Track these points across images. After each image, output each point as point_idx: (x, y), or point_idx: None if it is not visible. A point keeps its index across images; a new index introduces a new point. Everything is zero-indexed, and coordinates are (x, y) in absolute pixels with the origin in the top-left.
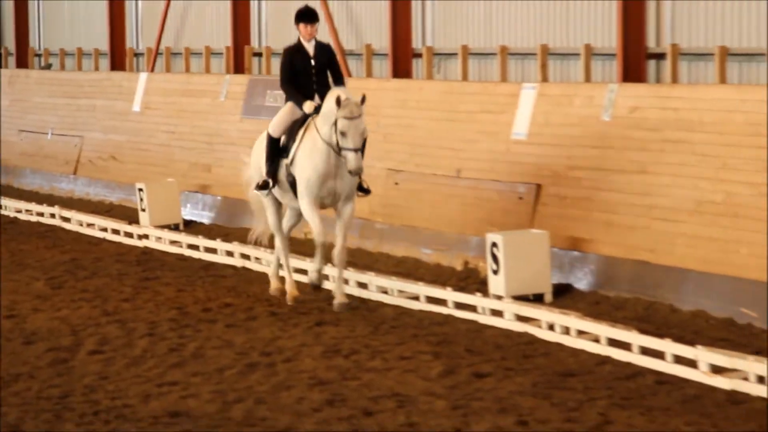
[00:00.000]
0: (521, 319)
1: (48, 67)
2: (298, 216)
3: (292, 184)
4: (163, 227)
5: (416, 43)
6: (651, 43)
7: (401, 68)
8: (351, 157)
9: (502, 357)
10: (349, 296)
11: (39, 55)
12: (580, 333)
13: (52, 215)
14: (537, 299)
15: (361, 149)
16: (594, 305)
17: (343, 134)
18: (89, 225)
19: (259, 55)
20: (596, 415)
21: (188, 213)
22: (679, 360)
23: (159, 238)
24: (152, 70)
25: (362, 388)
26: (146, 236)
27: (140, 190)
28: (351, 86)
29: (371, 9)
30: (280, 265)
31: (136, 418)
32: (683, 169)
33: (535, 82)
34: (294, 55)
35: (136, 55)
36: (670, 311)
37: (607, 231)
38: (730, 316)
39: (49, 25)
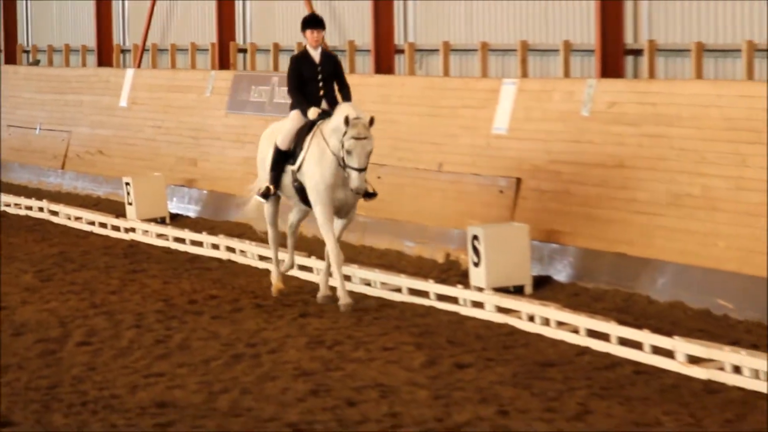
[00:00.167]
0: (502, 310)
1: (36, 63)
2: (305, 212)
3: (299, 190)
4: (149, 221)
5: (398, 40)
6: (629, 40)
7: (384, 64)
8: (354, 177)
9: (483, 348)
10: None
11: (27, 52)
12: (560, 324)
13: (41, 209)
14: (517, 291)
15: (365, 169)
16: (573, 297)
17: (349, 153)
18: (77, 218)
19: (244, 51)
20: (576, 405)
21: (174, 206)
22: (656, 350)
23: (146, 232)
24: (139, 66)
25: (346, 378)
26: (133, 229)
27: (127, 184)
28: None
29: (354, 6)
30: (292, 265)
31: (123, 408)
32: (661, 163)
33: (515, 78)
34: (301, 62)
35: (123, 51)
36: (647, 303)
37: (586, 224)
38: (706, 307)
39: (37, 22)
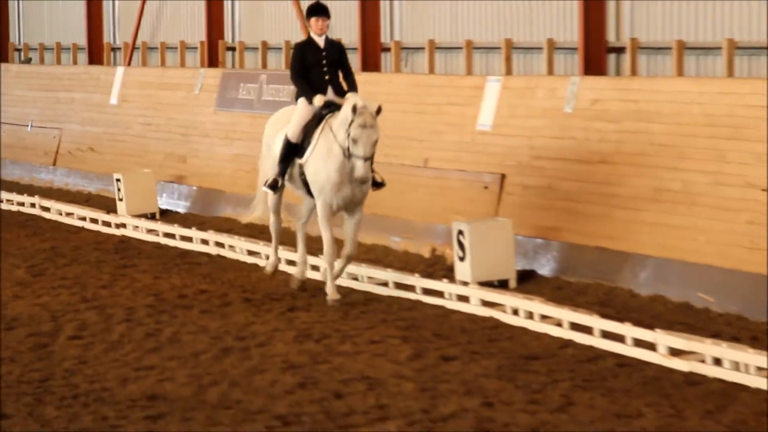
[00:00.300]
0: (486, 304)
1: (28, 61)
2: (314, 205)
3: (305, 182)
4: (139, 216)
5: (385, 38)
6: (611, 38)
7: (370, 62)
8: (359, 165)
9: (468, 341)
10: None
11: (19, 50)
12: (544, 317)
13: (33, 205)
14: (502, 285)
15: (370, 158)
16: (556, 290)
17: (354, 141)
18: (68, 214)
19: (233, 49)
20: (559, 397)
21: (164, 202)
22: (638, 343)
23: (136, 227)
24: (129, 64)
25: (333, 371)
26: (123, 225)
27: (117, 180)
28: None
29: (341, 5)
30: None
31: (114, 401)
32: (642, 158)
33: (500, 75)
34: (305, 49)
35: (114, 49)
36: (629, 296)
37: (569, 219)
38: (687, 300)
39: (28, 21)
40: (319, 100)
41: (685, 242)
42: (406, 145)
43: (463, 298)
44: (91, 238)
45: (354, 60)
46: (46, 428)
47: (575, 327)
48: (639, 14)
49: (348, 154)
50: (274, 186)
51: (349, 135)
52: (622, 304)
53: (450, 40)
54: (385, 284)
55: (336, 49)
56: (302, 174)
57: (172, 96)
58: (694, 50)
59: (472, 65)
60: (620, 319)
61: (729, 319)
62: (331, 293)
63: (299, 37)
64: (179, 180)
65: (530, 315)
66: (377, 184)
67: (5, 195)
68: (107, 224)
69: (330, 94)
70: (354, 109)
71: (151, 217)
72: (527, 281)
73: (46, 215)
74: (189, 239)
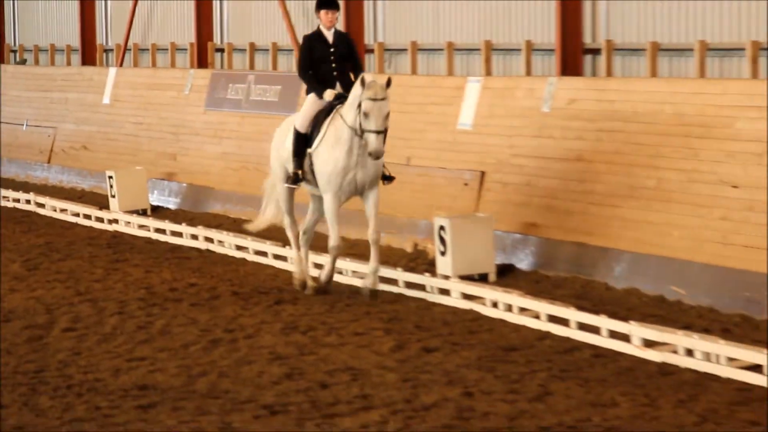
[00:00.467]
0: (467, 297)
1: (23, 62)
2: (321, 214)
3: (315, 173)
4: (131, 212)
5: (368, 39)
6: (587, 39)
7: None
8: (372, 139)
9: (449, 333)
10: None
11: (14, 51)
12: (522, 310)
13: (28, 201)
14: (482, 279)
15: (383, 132)
16: (535, 284)
17: (366, 115)
18: (62, 210)
19: (221, 50)
20: (537, 387)
21: (155, 199)
22: (613, 335)
23: (128, 223)
24: (121, 64)
25: (319, 362)
26: (116, 221)
27: (110, 177)
28: None
29: None
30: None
31: (107, 391)
32: (618, 156)
33: (480, 76)
34: (313, 42)
35: (106, 51)
36: (605, 289)
37: (547, 215)
38: (660, 293)
39: (23, 23)
40: (329, 94)
41: (659, 237)
42: (389, 143)
43: (445, 292)
44: (85, 233)
45: None
46: (41, 417)
47: (552, 319)
48: (614, 16)
49: (360, 132)
50: (295, 180)
51: (360, 110)
52: (598, 297)
53: (432, 42)
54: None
55: (345, 42)
56: (312, 164)
57: (162, 96)
58: (667, 51)
59: (453, 66)
60: (596, 312)
61: (701, 311)
62: (323, 278)
63: (286, 38)
64: (170, 177)
65: (509, 308)
66: (387, 178)
67: (1, 192)
68: (100, 220)
69: (339, 89)
70: (363, 82)
71: (143, 213)
72: (506, 275)
73: (41, 212)
74: (179, 234)
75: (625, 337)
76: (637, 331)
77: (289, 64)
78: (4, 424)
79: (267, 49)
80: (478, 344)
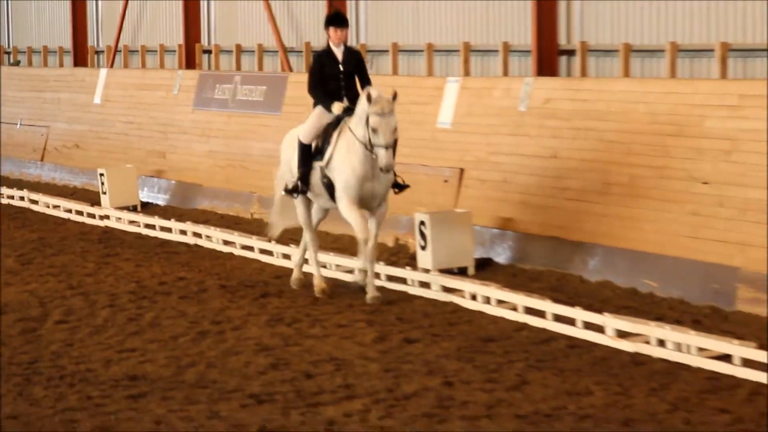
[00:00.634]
0: (447, 290)
1: (16, 63)
2: (325, 212)
3: (328, 187)
4: (122, 209)
5: (351, 41)
6: (562, 41)
7: None
8: (382, 154)
9: (429, 324)
10: (378, 290)
11: (8, 53)
12: (500, 302)
13: (22, 198)
14: (461, 272)
15: (392, 146)
16: (512, 277)
17: (374, 131)
18: (55, 207)
19: (209, 52)
20: (514, 376)
21: (145, 195)
22: (588, 326)
23: (119, 219)
24: (111, 66)
25: (303, 353)
26: (107, 217)
27: (101, 174)
28: (291, 80)
29: (310, 9)
30: (305, 260)
31: (98, 381)
32: (592, 154)
33: (459, 76)
34: (323, 60)
35: (97, 52)
36: (579, 282)
37: (524, 211)
38: (633, 286)
39: (17, 25)
40: (338, 107)
41: (631, 232)
42: None
43: (425, 285)
44: (77, 229)
45: None
46: (35, 407)
47: (529, 311)
48: (588, 18)
49: (370, 146)
50: (294, 191)
51: (368, 125)
52: (573, 290)
53: (412, 43)
54: (351, 272)
55: (354, 58)
56: (324, 177)
57: (152, 96)
58: (639, 53)
59: (433, 67)
60: (571, 304)
61: (672, 303)
62: (371, 291)
63: (271, 40)
64: (159, 174)
65: (487, 300)
66: (400, 186)
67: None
68: (92, 216)
69: (346, 103)
70: (369, 97)
71: (133, 209)
72: (485, 269)
73: (35, 208)
74: (168, 230)
75: (599, 328)
76: (611, 322)
77: (275, 65)
78: None
79: (253, 51)
80: (458, 335)
